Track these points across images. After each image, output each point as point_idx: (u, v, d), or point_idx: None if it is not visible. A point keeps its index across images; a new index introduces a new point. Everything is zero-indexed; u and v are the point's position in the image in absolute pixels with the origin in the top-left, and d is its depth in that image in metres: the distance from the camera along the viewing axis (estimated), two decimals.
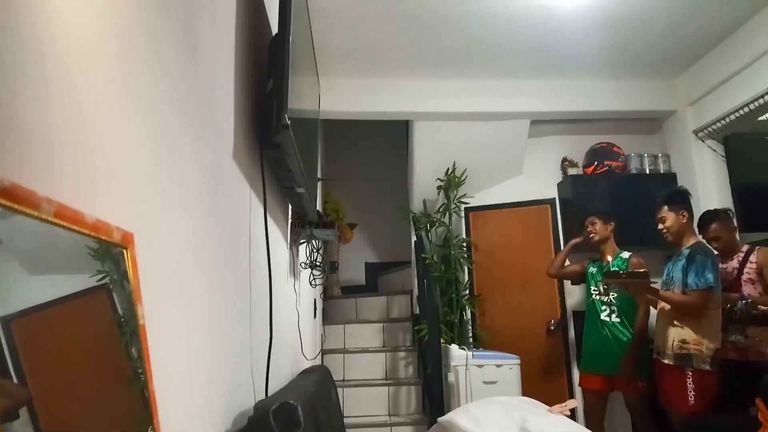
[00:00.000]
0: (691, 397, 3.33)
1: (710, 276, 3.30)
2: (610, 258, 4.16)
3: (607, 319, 4.07)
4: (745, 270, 3.65)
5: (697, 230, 3.76)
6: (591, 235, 4.24)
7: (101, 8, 0.88)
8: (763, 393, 3.30)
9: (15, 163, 0.64)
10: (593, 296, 4.23)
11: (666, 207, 3.62)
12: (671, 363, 3.45)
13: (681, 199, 3.62)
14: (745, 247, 3.74)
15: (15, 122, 0.64)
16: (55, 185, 0.72)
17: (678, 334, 3.43)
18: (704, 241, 3.68)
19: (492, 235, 5.54)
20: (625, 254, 4.13)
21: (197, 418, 1.32)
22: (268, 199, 2.21)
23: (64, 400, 0.73)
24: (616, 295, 4.05)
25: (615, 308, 4.06)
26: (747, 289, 3.60)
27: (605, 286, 4.11)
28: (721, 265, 3.69)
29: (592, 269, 4.32)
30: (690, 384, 3.34)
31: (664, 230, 3.64)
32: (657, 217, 3.67)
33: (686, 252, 3.50)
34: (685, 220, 3.57)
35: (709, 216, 3.84)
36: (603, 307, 4.12)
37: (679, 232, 3.58)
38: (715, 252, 3.71)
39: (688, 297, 3.36)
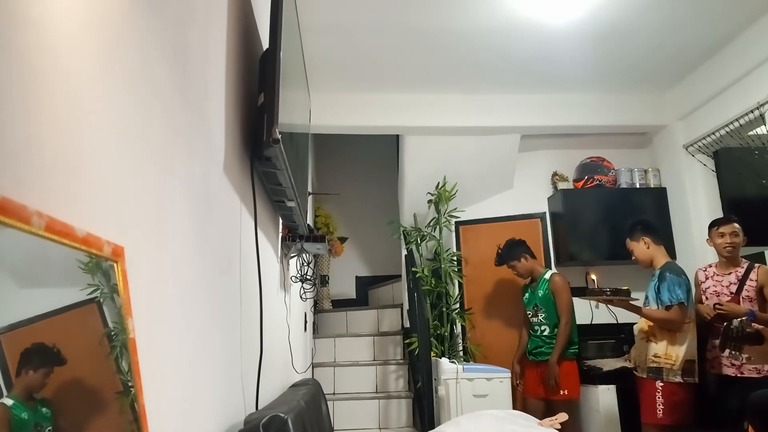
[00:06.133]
0: (659, 411, 3.45)
1: (680, 292, 3.47)
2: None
3: (539, 337, 4.39)
4: (745, 287, 3.65)
5: (710, 229, 3.82)
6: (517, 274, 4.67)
7: (91, 24, 0.89)
8: (751, 414, 3.30)
9: (6, 177, 0.64)
10: (530, 317, 4.53)
11: (629, 240, 3.87)
12: (644, 376, 3.59)
13: (641, 229, 3.83)
14: (744, 263, 3.73)
15: (5, 136, 0.65)
16: (46, 199, 0.72)
17: (652, 349, 3.57)
18: (674, 261, 3.81)
19: (482, 249, 5.52)
20: (548, 275, 4.45)
21: None
22: (258, 213, 2.21)
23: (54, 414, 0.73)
24: (544, 315, 4.37)
25: (546, 326, 4.36)
26: (745, 306, 3.60)
27: (534, 308, 4.46)
28: (717, 277, 3.74)
29: (526, 295, 4.62)
30: (659, 397, 3.47)
31: (635, 261, 3.87)
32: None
33: (657, 272, 3.68)
34: (648, 246, 3.77)
35: (733, 216, 3.86)
36: (535, 327, 4.44)
37: (647, 258, 3.79)
38: (726, 255, 3.71)
39: (666, 313, 3.51)
